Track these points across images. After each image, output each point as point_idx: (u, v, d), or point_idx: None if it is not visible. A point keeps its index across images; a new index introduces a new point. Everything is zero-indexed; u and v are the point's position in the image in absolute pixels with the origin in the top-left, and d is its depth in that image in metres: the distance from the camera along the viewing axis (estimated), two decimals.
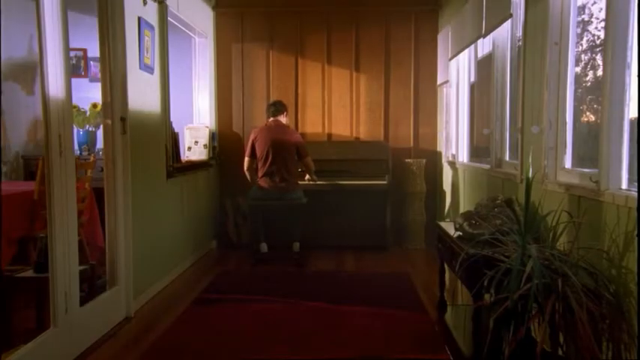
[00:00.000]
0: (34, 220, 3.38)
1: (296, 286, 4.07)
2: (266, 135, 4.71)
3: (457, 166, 4.87)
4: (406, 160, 5.39)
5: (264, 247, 4.79)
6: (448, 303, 3.45)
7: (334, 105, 5.68)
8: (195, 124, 5.40)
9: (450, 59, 4.93)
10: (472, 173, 4.35)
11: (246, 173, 4.90)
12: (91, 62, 5.47)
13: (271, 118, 4.83)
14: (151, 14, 3.87)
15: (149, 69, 3.80)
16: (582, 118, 2.79)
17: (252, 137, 4.81)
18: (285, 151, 4.70)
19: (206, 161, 5.22)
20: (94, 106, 4.80)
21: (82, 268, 2.94)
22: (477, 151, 4.67)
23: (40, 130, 4.85)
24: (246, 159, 4.85)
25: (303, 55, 5.65)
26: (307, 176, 4.95)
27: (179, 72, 5.00)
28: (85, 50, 5.44)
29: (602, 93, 2.23)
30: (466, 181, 4.53)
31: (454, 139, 5.13)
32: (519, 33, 3.34)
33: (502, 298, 2.08)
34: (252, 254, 4.81)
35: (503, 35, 3.63)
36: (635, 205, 1.90)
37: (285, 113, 4.88)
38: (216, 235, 5.61)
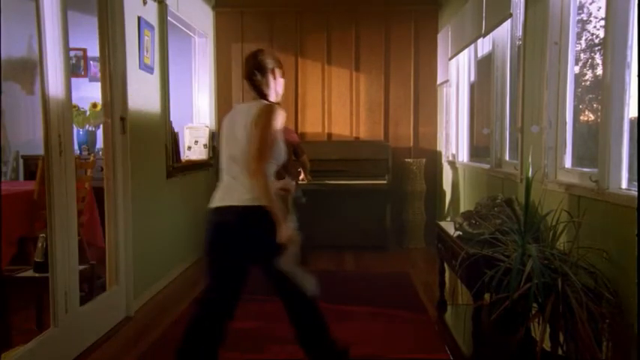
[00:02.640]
0: (34, 220, 3.38)
1: None
2: None
3: (457, 165, 4.87)
4: (406, 160, 5.39)
5: None
6: (448, 303, 3.45)
7: (334, 105, 5.68)
8: (195, 123, 5.40)
9: (450, 59, 4.92)
10: (472, 173, 4.35)
11: None
12: (91, 62, 5.46)
13: None
14: (151, 14, 3.87)
15: (149, 69, 3.80)
16: (582, 118, 2.79)
17: None
18: None
19: (206, 161, 5.22)
20: (94, 105, 4.79)
21: (82, 268, 2.94)
22: (477, 150, 4.67)
23: None
24: None
25: (303, 55, 5.65)
26: (302, 175, 4.92)
27: (179, 72, 5.00)
28: (85, 50, 5.43)
29: (602, 92, 2.23)
30: (466, 181, 4.53)
31: (454, 138, 5.13)
32: (519, 33, 3.34)
33: (502, 298, 2.08)
34: None
35: (503, 35, 3.63)
36: (635, 204, 1.90)
37: None
38: None
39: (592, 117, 2.70)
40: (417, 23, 5.62)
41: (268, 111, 2.17)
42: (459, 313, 3.31)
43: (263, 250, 2.21)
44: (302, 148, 4.83)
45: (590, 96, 2.71)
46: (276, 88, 2.32)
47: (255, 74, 2.27)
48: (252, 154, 2.13)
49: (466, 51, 4.63)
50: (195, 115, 5.47)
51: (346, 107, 5.67)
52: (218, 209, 2.22)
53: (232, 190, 2.21)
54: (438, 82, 5.53)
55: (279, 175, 4.55)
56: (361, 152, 5.34)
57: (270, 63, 2.29)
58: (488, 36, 3.77)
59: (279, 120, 2.18)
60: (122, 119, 3.35)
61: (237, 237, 2.20)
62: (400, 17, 5.62)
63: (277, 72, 2.31)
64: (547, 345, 2.08)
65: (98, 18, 3.24)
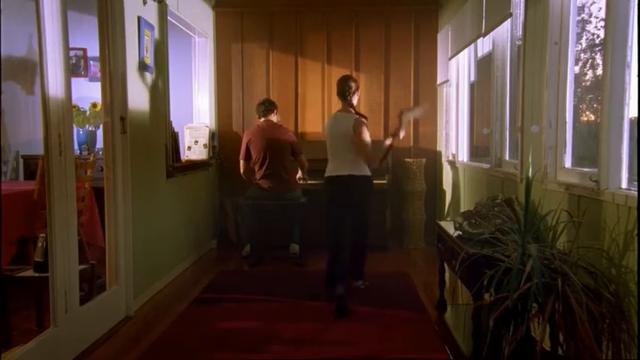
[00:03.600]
0: (34, 220, 3.38)
1: (296, 286, 4.07)
2: (260, 136, 4.69)
3: (457, 165, 4.87)
4: (406, 160, 5.39)
5: (247, 249, 4.85)
6: (448, 303, 3.45)
7: (334, 104, 5.65)
8: (195, 123, 5.40)
9: (450, 59, 4.92)
10: (472, 173, 4.35)
11: (244, 177, 4.88)
12: (91, 62, 5.46)
13: (262, 118, 4.81)
14: (151, 14, 3.87)
15: (149, 68, 3.80)
16: (582, 118, 2.79)
17: (245, 140, 4.78)
18: (281, 151, 4.69)
19: (206, 161, 5.22)
20: (94, 105, 4.80)
21: (82, 267, 2.95)
22: (477, 150, 4.67)
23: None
24: (242, 162, 4.81)
25: (302, 55, 5.65)
26: (299, 174, 4.92)
27: (179, 72, 5.00)
28: (85, 50, 5.44)
29: (601, 92, 2.23)
30: (466, 181, 4.53)
31: (454, 138, 5.13)
32: (519, 32, 3.34)
33: (502, 298, 2.08)
34: (246, 258, 4.83)
35: (503, 35, 3.63)
36: (635, 204, 1.90)
37: (275, 111, 4.83)
38: (216, 234, 5.61)
39: (592, 117, 2.70)
40: (417, 23, 5.62)
41: (358, 125, 3.66)
42: (459, 313, 3.31)
43: (365, 198, 3.80)
44: (299, 147, 4.82)
45: (590, 96, 2.71)
46: (354, 101, 3.86)
47: (347, 93, 3.81)
48: (357, 150, 3.67)
49: (466, 51, 4.63)
50: (195, 115, 5.47)
51: None
52: (339, 176, 3.74)
53: (345, 166, 3.74)
54: (438, 82, 5.53)
55: (277, 172, 4.60)
56: None
57: (353, 86, 3.82)
58: (488, 36, 3.77)
59: (365, 127, 3.66)
60: (122, 119, 3.35)
61: (353, 191, 3.75)
62: (400, 17, 5.62)
63: (357, 92, 3.86)
64: (547, 345, 2.09)
65: (98, 18, 3.24)
